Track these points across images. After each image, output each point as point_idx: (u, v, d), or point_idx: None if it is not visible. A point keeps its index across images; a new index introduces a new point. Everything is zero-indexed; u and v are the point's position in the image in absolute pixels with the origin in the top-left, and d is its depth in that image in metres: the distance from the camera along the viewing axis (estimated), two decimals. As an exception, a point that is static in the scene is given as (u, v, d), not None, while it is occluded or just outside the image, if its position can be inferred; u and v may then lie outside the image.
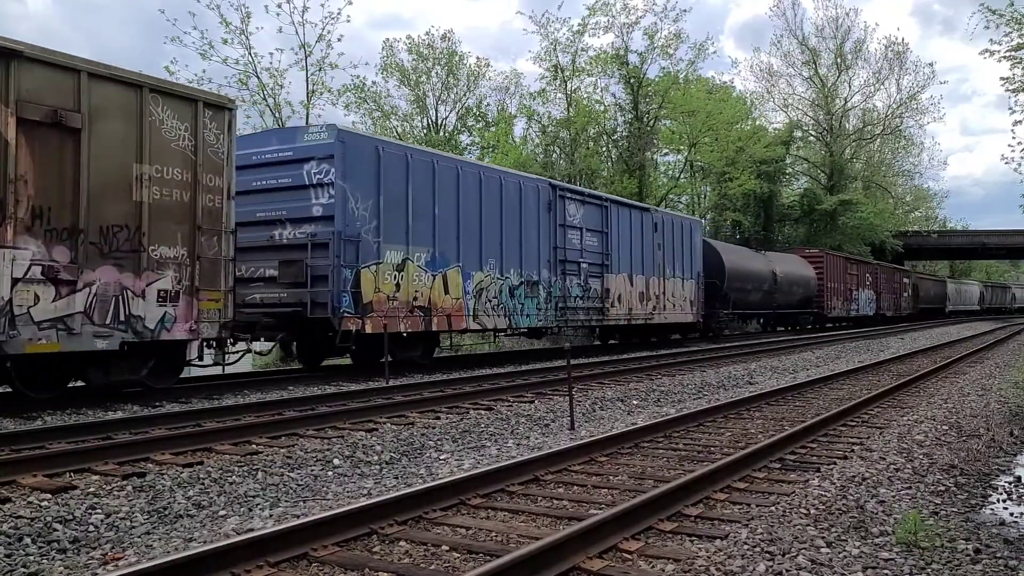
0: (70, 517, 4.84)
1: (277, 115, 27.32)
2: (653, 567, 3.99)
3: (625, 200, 22.36)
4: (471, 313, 14.59)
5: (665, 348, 21.71)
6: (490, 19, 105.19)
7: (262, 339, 12.25)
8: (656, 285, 21.41)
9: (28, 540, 4.45)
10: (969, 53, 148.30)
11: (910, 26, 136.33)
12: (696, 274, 23.72)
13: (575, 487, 5.72)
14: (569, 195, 18.04)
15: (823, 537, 4.38)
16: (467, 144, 39.78)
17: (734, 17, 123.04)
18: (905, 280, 50.14)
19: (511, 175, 16.59)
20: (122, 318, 9.08)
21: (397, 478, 6.20)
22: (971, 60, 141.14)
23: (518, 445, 7.54)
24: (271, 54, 37.27)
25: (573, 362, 12.28)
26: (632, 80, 36.18)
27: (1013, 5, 16.30)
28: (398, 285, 13.05)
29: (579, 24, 34.91)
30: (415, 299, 13.34)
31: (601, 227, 18.90)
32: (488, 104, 40.95)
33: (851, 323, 40.68)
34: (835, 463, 6.41)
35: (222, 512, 5.23)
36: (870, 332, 32.74)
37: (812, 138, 53.75)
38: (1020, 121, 16.97)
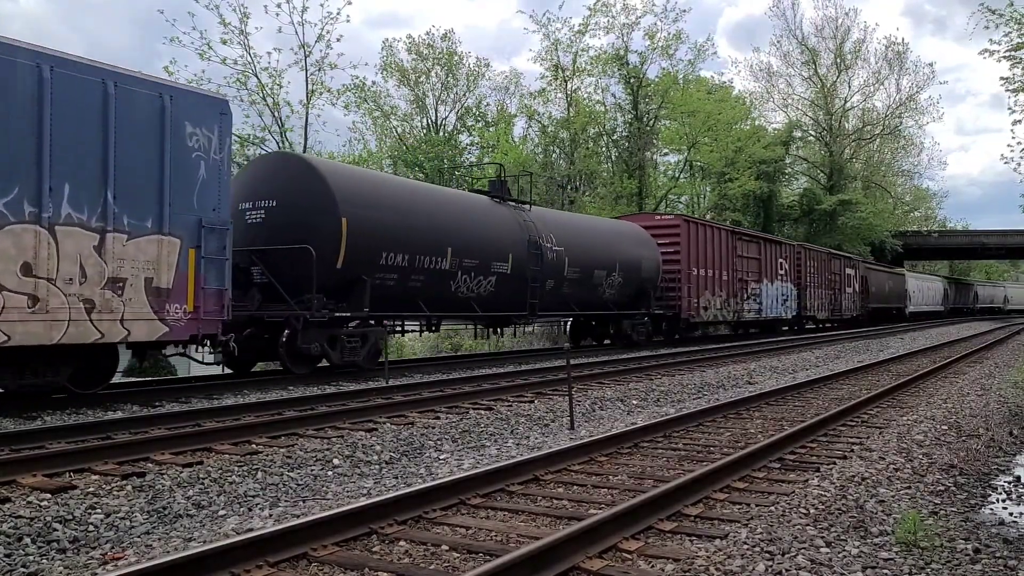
0: (70, 517, 4.84)
1: (276, 115, 27.34)
2: (653, 567, 3.99)
3: None
4: None
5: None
6: (488, 18, 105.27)
7: None
8: None
9: (28, 540, 4.45)
10: (961, 53, 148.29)
11: (902, 26, 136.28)
12: (193, 223, 9.83)
13: (575, 487, 5.72)
14: None
15: (823, 537, 4.38)
16: (467, 144, 39.84)
17: (727, 17, 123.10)
18: (849, 271, 37.43)
19: None
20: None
21: (397, 478, 6.20)
22: (964, 60, 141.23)
23: (518, 445, 7.54)
24: (269, 54, 37.25)
25: (573, 362, 12.28)
26: (632, 80, 36.24)
27: (1013, 5, 16.32)
28: None
29: (580, 24, 35.04)
30: None
31: None
32: (488, 104, 41.03)
33: (758, 329, 29.40)
34: (835, 463, 6.41)
35: (222, 512, 5.24)
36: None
37: (812, 138, 53.79)
38: (1020, 121, 16.99)
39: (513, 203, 17.26)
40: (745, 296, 25.57)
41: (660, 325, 22.31)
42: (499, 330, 18.21)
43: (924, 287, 54.89)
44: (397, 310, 13.71)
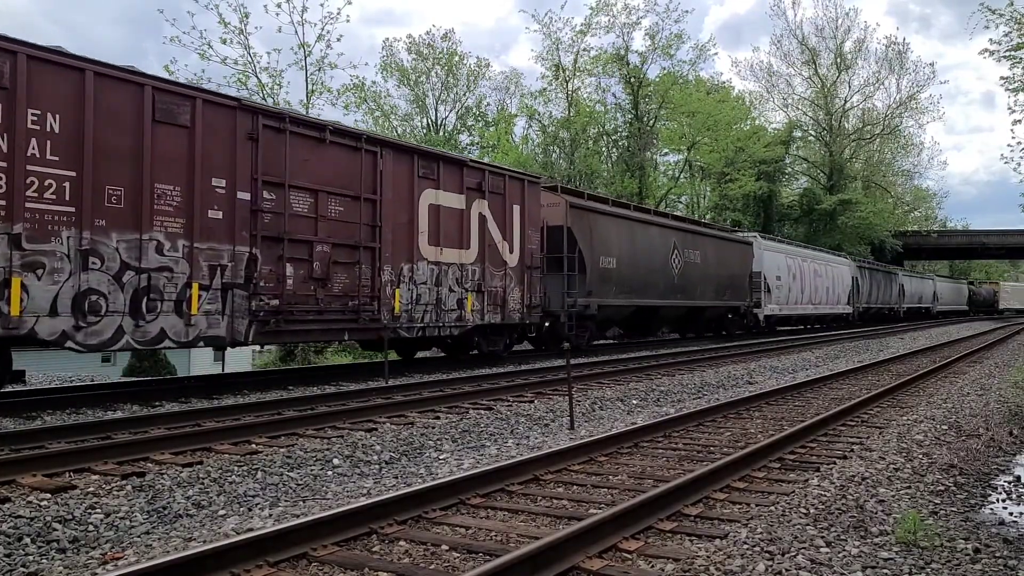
0: (70, 517, 4.83)
1: (277, 115, 27.29)
2: (653, 567, 3.99)
3: None
4: None
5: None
6: (484, 16, 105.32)
7: None
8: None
9: (28, 540, 4.45)
10: (948, 52, 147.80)
11: (887, 26, 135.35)
12: None
13: (575, 487, 5.72)
14: None
15: (823, 537, 4.38)
16: (467, 144, 39.85)
17: (713, 15, 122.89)
18: (452, 202, 13.09)
19: None
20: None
21: (397, 478, 6.20)
22: (951, 60, 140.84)
23: (518, 445, 7.54)
24: (268, 54, 37.30)
25: (573, 362, 12.26)
26: (632, 80, 36.27)
27: (1013, 5, 16.30)
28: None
29: (582, 24, 35.08)
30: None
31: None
32: (488, 104, 41.08)
33: None
34: (835, 463, 6.41)
35: (222, 512, 5.24)
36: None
37: (812, 138, 53.83)
38: (1020, 121, 16.99)
39: None
40: None
41: None
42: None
43: (805, 271, 30.68)
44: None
